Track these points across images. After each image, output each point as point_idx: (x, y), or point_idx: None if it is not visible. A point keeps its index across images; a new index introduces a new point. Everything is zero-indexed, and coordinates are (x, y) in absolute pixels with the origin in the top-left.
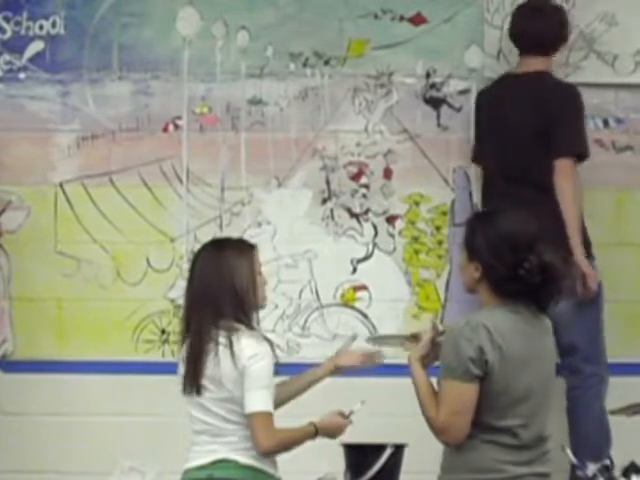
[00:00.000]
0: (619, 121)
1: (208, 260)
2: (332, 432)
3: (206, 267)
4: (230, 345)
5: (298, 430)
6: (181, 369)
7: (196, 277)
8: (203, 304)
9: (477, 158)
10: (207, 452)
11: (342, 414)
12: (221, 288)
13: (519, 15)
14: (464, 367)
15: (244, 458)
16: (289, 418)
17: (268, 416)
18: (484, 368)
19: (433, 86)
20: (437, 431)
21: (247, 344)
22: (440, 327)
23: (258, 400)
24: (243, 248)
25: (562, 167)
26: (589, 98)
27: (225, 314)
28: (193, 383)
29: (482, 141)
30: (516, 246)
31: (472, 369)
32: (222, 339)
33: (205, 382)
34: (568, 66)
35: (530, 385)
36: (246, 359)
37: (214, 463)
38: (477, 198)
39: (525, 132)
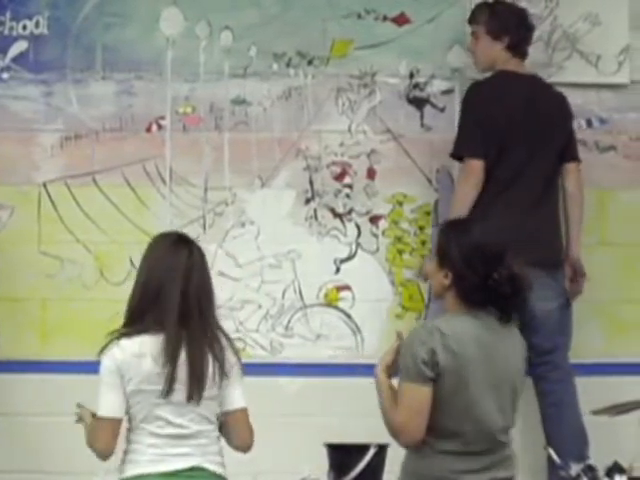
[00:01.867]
0: (602, 121)
1: (198, 261)
2: None
3: (198, 269)
4: (230, 343)
5: None
6: (144, 365)
7: (191, 277)
8: (204, 307)
9: (478, 154)
10: (174, 456)
11: None
12: (209, 291)
13: (520, 20)
14: (417, 369)
15: (213, 466)
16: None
17: (247, 412)
18: (436, 370)
19: (416, 86)
20: (394, 432)
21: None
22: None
23: (242, 396)
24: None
25: (578, 170)
26: (572, 98)
27: (209, 316)
28: (197, 386)
29: (499, 138)
30: (488, 257)
31: (424, 371)
32: (222, 339)
33: (204, 381)
34: (551, 66)
35: (485, 390)
36: (237, 355)
37: (188, 470)
38: None
39: (556, 136)
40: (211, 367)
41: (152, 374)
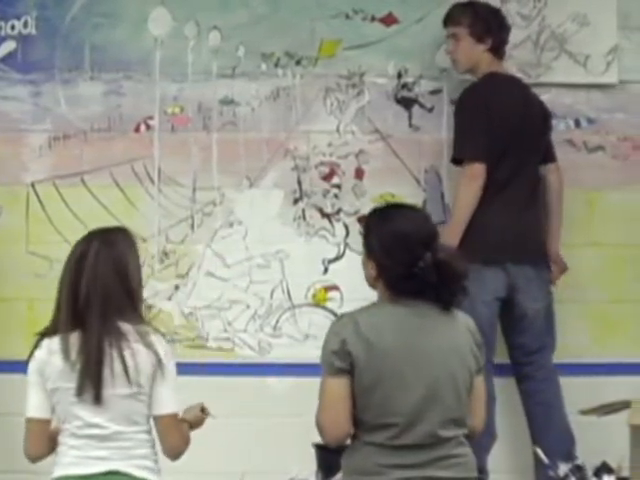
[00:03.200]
0: (591, 121)
1: (102, 255)
2: (196, 425)
3: (102, 263)
4: (143, 339)
5: (185, 429)
6: (56, 362)
7: (90, 272)
8: (102, 301)
9: (481, 158)
10: (93, 459)
11: (203, 409)
12: (119, 287)
13: (500, 21)
14: (329, 361)
15: (138, 470)
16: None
17: (178, 417)
18: (348, 360)
19: (404, 86)
20: (318, 430)
21: (157, 340)
22: None
23: (174, 400)
24: (132, 242)
25: (559, 168)
26: (561, 98)
27: (124, 312)
28: (93, 385)
29: (500, 141)
30: (409, 245)
31: (335, 362)
32: (132, 335)
33: (111, 378)
34: (540, 66)
35: (412, 381)
36: (162, 355)
37: (104, 475)
38: (449, 198)
39: (542, 136)
40: (117, 364)
41: (64, 371)
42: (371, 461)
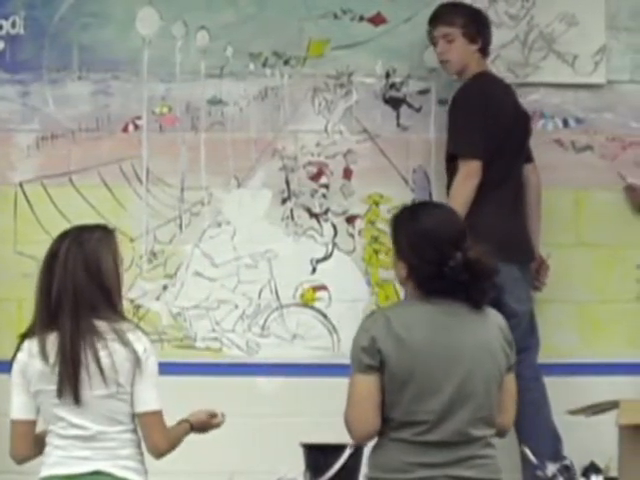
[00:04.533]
0: (579, 121)
1: (72, 253)
2: (202, 428)
3: (71, 261)
4: (119, 337)
5: (180, 428)
6: (36, 365)
7: (61, 271)
8: (74, 300)
9: (478, 155)
10: (77, 459)
11: (213, 415)
12: (90, 285)
13: (486, 21)
14: (358, 358)
15: (121, 470)
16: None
17: (162, 415)
18: (378, 357)
19: (393, 86)
20: (346, 427)
21: (135, 337)
22: None
23: (154, 397)
24: (108, 239)
25: (537, 168)
26: (549, 98)
27: (98, 310)
28: (70, 386)
29: (496, 139)
30: (438, 244)
31: (364, 359)
32: (108, 334)
33: (89, 379)
34: (528, 66)
35: (442, 379)
36: (140, 352)
37: (86, 475)
38: (437, 198)
39: (527, 138)
40: (93, 365)
41: (44, 374)
42: (397, 459)
